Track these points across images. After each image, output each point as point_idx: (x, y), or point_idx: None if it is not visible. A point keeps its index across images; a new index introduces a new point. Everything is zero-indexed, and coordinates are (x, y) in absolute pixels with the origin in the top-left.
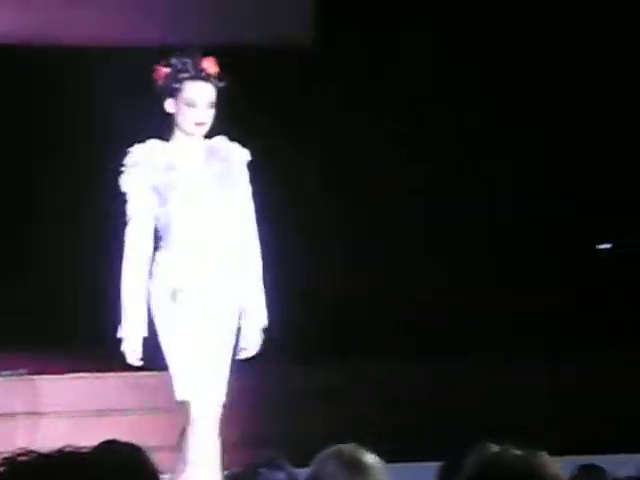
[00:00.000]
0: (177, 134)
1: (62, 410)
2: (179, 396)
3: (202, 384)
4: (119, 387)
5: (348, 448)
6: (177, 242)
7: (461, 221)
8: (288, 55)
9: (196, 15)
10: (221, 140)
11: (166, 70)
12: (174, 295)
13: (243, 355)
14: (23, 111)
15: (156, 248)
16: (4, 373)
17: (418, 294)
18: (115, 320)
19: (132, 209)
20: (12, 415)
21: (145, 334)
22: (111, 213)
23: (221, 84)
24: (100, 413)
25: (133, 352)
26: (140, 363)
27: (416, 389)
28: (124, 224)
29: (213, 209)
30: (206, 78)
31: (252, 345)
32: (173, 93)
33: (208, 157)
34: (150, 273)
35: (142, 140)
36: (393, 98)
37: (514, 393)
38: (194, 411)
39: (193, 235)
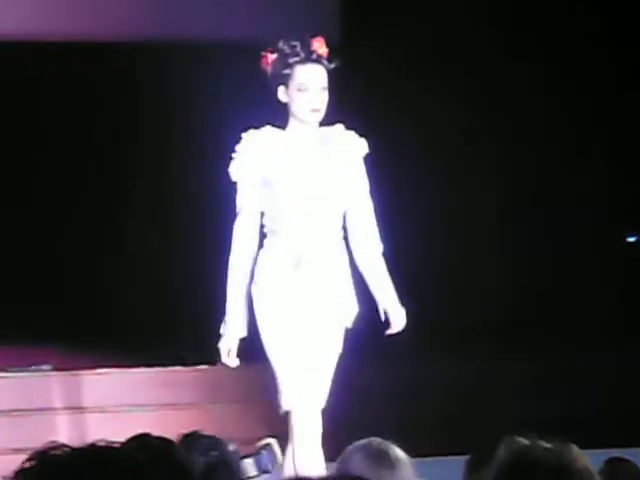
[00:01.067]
0: (292, 122)
1: (94, 405)
2: (285, 406)
3: (307, 391)
4: (147, 382)
5: (377, 441)
6: (287, 239)
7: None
8: None
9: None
10: (337, 129)
11: (273, 56)
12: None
13: (392, 331)
14: (136, 98)
15: (261, 245)
16: (31, 368)
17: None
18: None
19: (241, 201)
20: (47, 410)
21: (244, 334)
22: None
23: (332, 66)
24: (129, 408)
25: (228, 351)
26: (234, 364)
27: None
28: (228, 213)
29: (326, 202)
30: (317, 60)
31: (398, 320)
32: (284, 80)
33: (322, 148)
34: (253, 273)
35: (257, 126)
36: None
37: None
38: (297, 419)
39: (305, 231)
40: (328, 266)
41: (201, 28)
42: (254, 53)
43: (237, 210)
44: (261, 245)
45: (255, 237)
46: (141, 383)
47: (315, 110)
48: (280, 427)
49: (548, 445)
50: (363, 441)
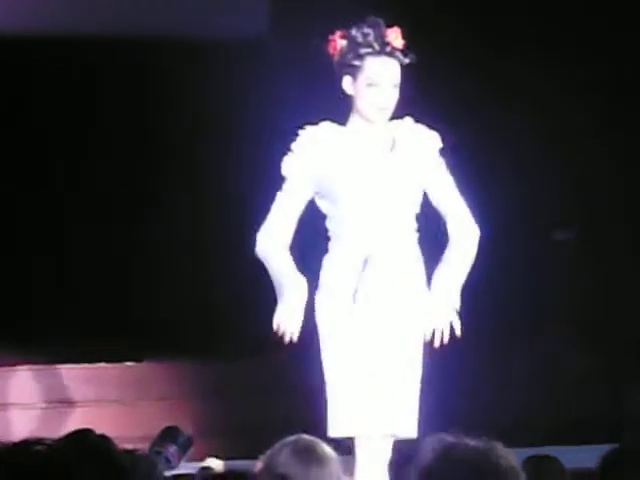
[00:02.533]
0: (355, 118)
1: (24, 402)
2: (334, 432)
3: (371, 414)
4: (77, 379)
5: (306, 438)
6: (353, 242)
7: None
8: None
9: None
10: (406, 124)
11: (343, 42)
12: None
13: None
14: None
15: (324, 250)
16: None
17: None
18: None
19: (285, 191)
20: None
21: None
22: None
23: (407, 60)
24: (61, 405)
25: (292, 316)
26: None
27: None
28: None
29: (396, 205)
30: (391, 53)
31: (436, 310)
32: (351, 71)
33: (391, 146)
34: (318, 282)
35: (315, 121)
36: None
37: None
38: (359, 448)
39: (373, 234)
40: (400, 270)
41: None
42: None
43: (274, 204)
44: (325, 250)
45: (294, 218)
46: (67, 380)
47: (384, 109)
48: (205, 424)
49: (473, 443)
50: (292, 437)
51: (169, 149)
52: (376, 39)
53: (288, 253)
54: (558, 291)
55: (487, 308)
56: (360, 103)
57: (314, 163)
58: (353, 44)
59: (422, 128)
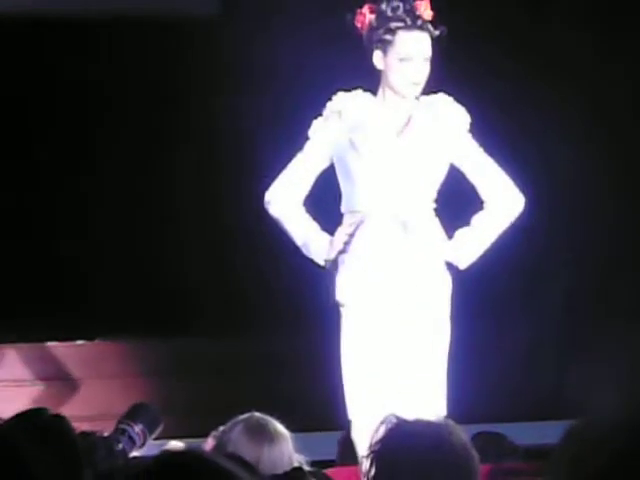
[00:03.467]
0: (386, 91)
1: None
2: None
3: (396, 397)
4: (28, 357)
5: (257, 416)
6: (365, 218)
7: None
8: None
9: None
10: (432, 100)
11: (372, 17)
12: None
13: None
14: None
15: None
16: None
17: None
18: None
19: (306, 152)
20: None
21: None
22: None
23: (437, 33)
24: (6, 384)
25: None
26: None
27: None
28: None
29: (408, 183)
30: (422, 26)
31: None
32: (382, 45)
33: (407, 121)
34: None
35: (348, 88)
36: None
37: None
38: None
39: (384, 212)
40: (417, 247)
41: None
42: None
43: (293, 160)
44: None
45: (312, 179)
46: (18, 358)
47: (416, 83)
48: (160, 401)
49: (426, 420)
50: (244, 415)
51: (125, 119)
52: (406, 12)
53: (305, 211)
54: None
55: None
56: (392, 78)
57: (337, 130)
58: (383, 18)
59: (449, 103)
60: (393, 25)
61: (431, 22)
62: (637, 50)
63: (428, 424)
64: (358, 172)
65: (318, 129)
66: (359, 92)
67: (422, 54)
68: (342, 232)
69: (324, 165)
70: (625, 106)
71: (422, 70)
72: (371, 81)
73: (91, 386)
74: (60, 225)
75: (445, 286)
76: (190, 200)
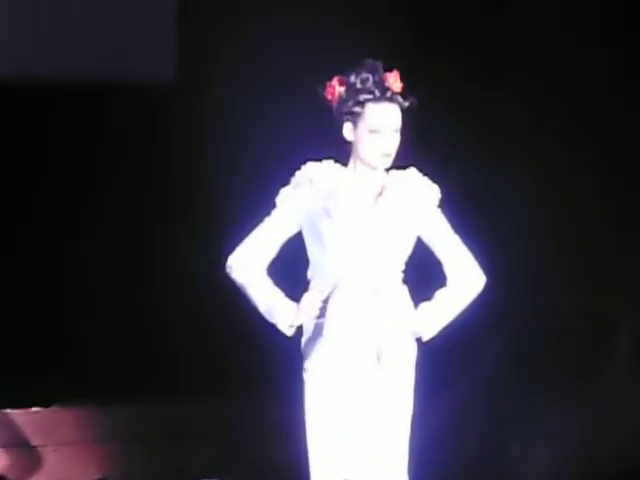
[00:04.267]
0: (357, 163)
1: None
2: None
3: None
4: None
5: None
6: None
7: None
8: None
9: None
10: (404, 175)
11: (342, 89)
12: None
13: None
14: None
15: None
16: None
17: None
18: None
19: (273, 218)
20: None
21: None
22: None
23: (406, 104)
24: None
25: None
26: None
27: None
28: None
29: (378, 255)
30: (392, 98)
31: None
32: (352, 117)
33: (380, 193)
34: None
35: (319, 158)
36: None
37: None
38: None
39: (351, 283)
40: (390, 304)
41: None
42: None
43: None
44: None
45: (278, 246)
46: None
47: (387, 155)
48: (112, 469)
49: None
50: None
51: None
52: (375, 84)
53: (268, 277)
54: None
55: None
56: (362, 149)
57: (308, 198)
58: (352, 90)
59: (420, 179)
60: (362, 97)
61: (400, 94)
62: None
63: None
64: (330, 239)
65: (286, 197)
66: (330, 162)
67: (391, 126)
68: (312, 298)
69: (291, 232)
70: (588, 185)
71: (392, 141)
72: (342, 153)
73: (48, 453)
74: (13, 287)
75: (410, 353)
76: (153, 261)
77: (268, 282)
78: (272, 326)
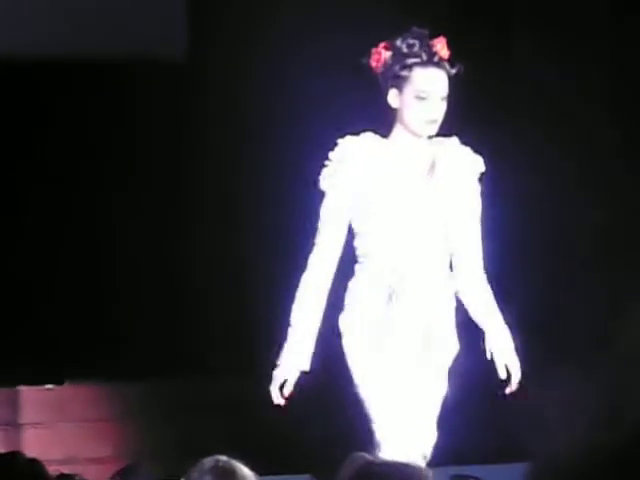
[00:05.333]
0: (399, 131)
1: None
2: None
3: (405, 442)
4: None
5: (224, 460)
6: (381, 265)
7: None
8: None
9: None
10: (451, 144)
11: (387, 54)
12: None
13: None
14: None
15: (352, 270)
16: None
17: None
18: None
19: (326, 214)
20: None
21: (307, 368)
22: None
23: (454, 71)
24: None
25: (282, 383)
26: (282, 400)
27: None
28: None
29: (430, 227)
30: (439, 64)
31: (511, 372)
32: (398, 82)
33: (432, 165)
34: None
35: (356, 131)
36: None
37: None
38: None
39: (403, 258)
40: (428, 297)
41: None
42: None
43: (319, 223)
44: (352, 270)
45: (335, 257)
46: None
47: (432, 121)
48: (125, 446)
49: (392, 462)
50: (208, 460)
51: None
52: (423, 49)
53: (324, 302)
54: None
55: None
56: (407, 116)
57: (353, 177)
58: (398, 55)
59: (466, 151)
60: (409, 61)
61: (448, 61)
62: None
63: (395, 466)
64: (381, 220)
65: (331, 180)
66: (368, 134)
67: (438, 92)
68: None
69: (349, 220)
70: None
71: (438, 108)
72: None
73: (61, 430)
74: (27, 267)
75: (454, 343)
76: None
77: (309, 317)
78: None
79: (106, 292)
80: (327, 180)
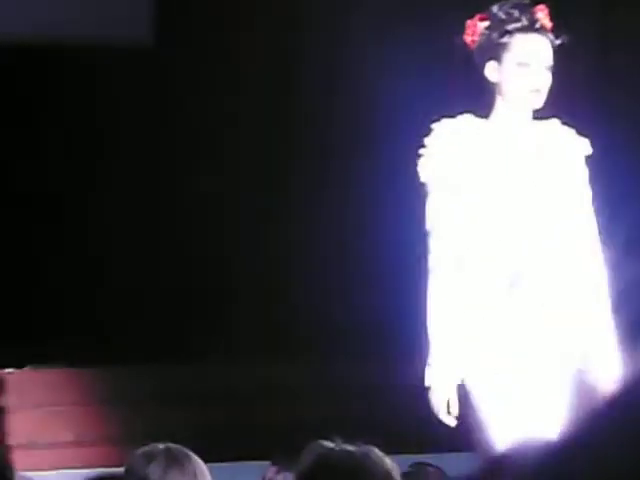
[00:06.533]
0: (500, 109)
1: None
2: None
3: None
4: None
5: (175, 447)
6: (497, 256)
7: None
8: None
9: None
10: (553, 125)
11: (484, 24)
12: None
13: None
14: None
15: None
16: None
17: None
18: None
19: (432, 213)
20: None
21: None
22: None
23: (558, 42)
24: None
25: (447, 404)
26: (454, 420)
27: None
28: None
29: (536, 216)
30: (541, 30)
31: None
32: (497, 52)
33: (536, 147)
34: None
35: (452, 114)
36: None
37: None
38: None
39: (519, 247)
40: (549, 290)
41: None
42: None
43: (427, 226)
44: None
45: (456, 257)
46: None
47: (537, 91)
48: (86, 431)
49: (351, 448)
50: (161, 446)
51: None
52: (523, 14)
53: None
54: None
55: None
56: (509, 86)
57: (454, 164)
58: (497, 22)
59: (571, 132)
60: (509, 27)
61: (552, 31)
62: None
63: (351, 453)
64: (485, 209)
65: (431, 169)
66: (467, 116)
67: (542, 60)
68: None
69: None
70: None
71: (543, 77)
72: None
73: (21, 414)
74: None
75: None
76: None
77: (450, 327)
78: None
79: (65, 277)
80: (424, 170)
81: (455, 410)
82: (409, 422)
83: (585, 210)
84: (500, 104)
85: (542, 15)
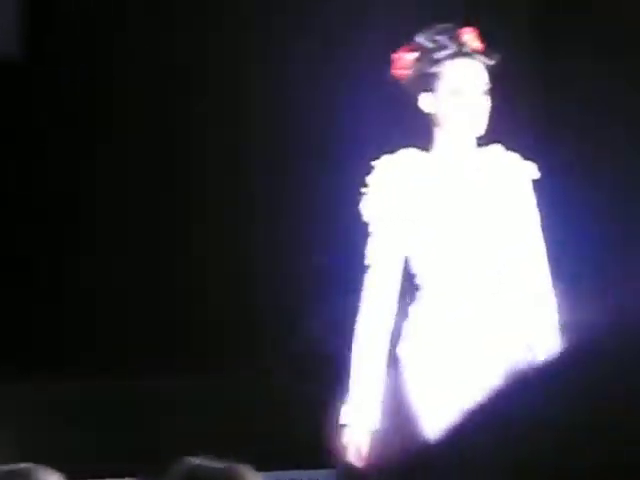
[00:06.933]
0: (441, 140)
1: None
2: None
3: None
4: None
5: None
6: (441, 289)
7: None
8: None
9: None
10: (497, 151)
11: (412, 56)
12: None
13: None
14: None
15: (411, 299)
16: None
17: None
18: None
19: (373, 250)
20: None
21: (378, 426)
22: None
23: (492, 62)
24: None
25: (358, 449)
26: (362, 463)
27: None
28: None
29: (484, 244)
30: (471, 54)
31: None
32: (429, 83)
33: (482, 174)
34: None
35: (391, 149)
36: None
37: None
38: None
39: (462, 279)
40: (488, 310)
41: None
42: None
43: (366, 262)
44: (412, 298)
45: (392, 295)
46: None
47: (475, 119)
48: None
49: (219, 465)
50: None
51: None
52: (450, 40)
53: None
54: None
55: None
56: (445, 116)
57: (397, 202)
58: (424, 52)
59: (515, 158)
60: (438, 55)
61: (482, 52)
62: None
63: (218, 470)
64: (426, 244)
65: (374, 208)
66: (406, 151)
67: (476, 84)
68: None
69: (400, 265)
70: None
71: (480, 103)
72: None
73: None
74: None
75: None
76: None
77: (374, 369)
78: None
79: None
80: (366, 210)
81: (365, 453)
82: (284, 439)
83: (534, 235)
84: (440, 135)
85: (470, 37)
